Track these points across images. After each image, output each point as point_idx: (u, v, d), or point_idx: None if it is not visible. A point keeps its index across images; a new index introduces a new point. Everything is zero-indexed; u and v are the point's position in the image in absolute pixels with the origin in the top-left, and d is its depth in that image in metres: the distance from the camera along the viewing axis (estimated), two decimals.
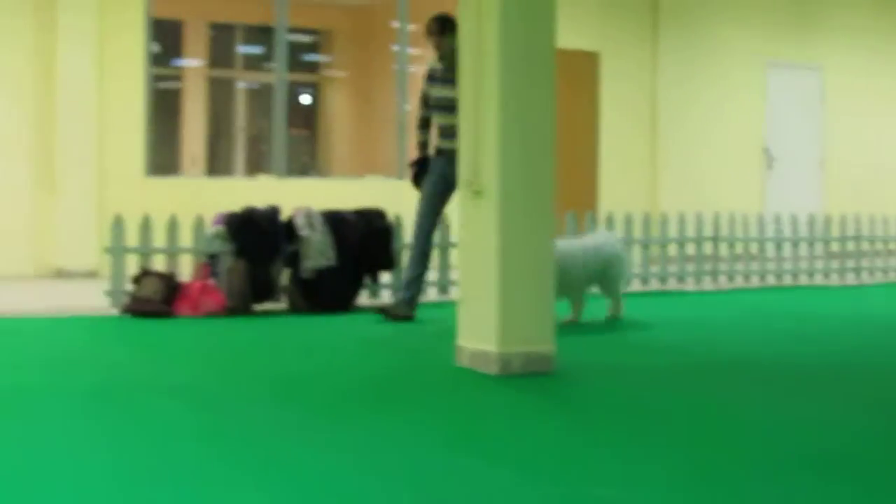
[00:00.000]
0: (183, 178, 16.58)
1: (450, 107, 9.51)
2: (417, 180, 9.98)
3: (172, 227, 10.39)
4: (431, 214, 9.81)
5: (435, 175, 9.80)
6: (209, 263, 10.25)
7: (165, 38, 17.18)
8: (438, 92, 9.83)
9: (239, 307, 9.98)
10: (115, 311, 10.00)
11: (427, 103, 10.00)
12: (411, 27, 16.07)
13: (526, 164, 7.10)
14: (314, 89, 19.57)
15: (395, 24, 16.21)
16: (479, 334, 7.19)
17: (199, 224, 10.39)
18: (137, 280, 9.97)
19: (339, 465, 4.78)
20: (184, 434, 5.36)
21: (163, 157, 17.17)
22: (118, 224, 10.16)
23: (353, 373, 7.27)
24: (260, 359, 7.82)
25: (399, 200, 13.97)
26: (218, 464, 4.79)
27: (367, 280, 10.80)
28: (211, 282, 10.08)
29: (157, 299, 9.77)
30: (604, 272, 9.75)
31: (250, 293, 10.09)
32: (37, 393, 6.35)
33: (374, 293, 10.99)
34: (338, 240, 10.34)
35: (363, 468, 4.73)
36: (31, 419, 5.65)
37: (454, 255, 9.86)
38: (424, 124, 10.09)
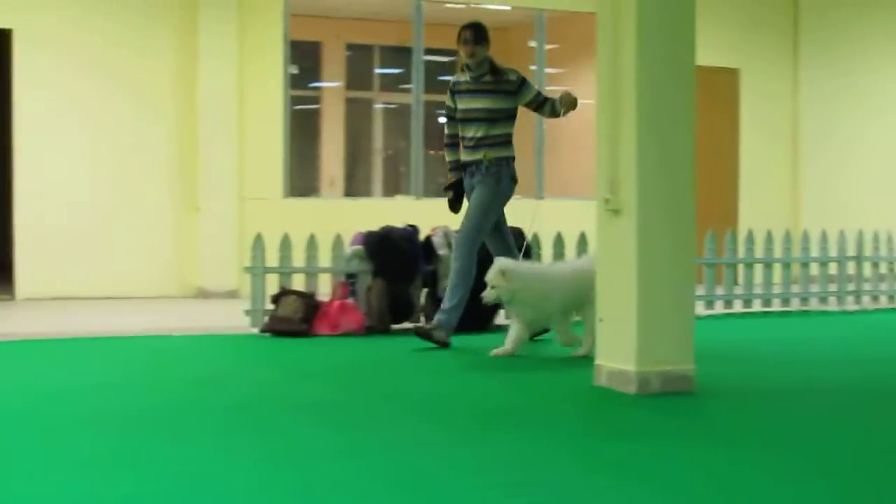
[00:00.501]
0: (322, 199, 16.75)
1: (478, 119, 9.39)
2: (455, 206, 9.75)
3: (312, 246, 10.48)
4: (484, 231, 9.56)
5: (470, 192, 9.54)
6: (348, 283, 10.31)
7: (304, 59, 17.38)
8: (466, 104, 9.46)
9: (377, 327, 10.02)
10: (254, 331, 10.10)
11: (453, 118, 9.61)
12: (549, 47, 16.04)
13: (665, 182, 7.03)
14: None
15: (533, 44, 16.20)
16: (617, 353, 7.13)
17: (337, 244, 10.47)
18: (277, 299, 10.06)
19: (476, 482, 4.76)
20: (325, 451, 5.38)
21: (302, 178, 17.37)
22: (258, 243, 10.27)
23: (492, 391, 7.25)
24: (398, 377, 7.84)
25: (537, 220, 13.90)
26: (359, 480, 4.80)
27: None
28: (350, 301, 10.14)
29: (296, 319, 9.85)
30: (583, 300, 8.69)
31: (389, 312, 10.13)
32: (181, 410, 6.43)
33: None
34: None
35: (500, 485, 4.70)
36: (175, 436, 5.72)
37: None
38: (453, 142, 9.68)
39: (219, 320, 11.00)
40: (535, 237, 11.04)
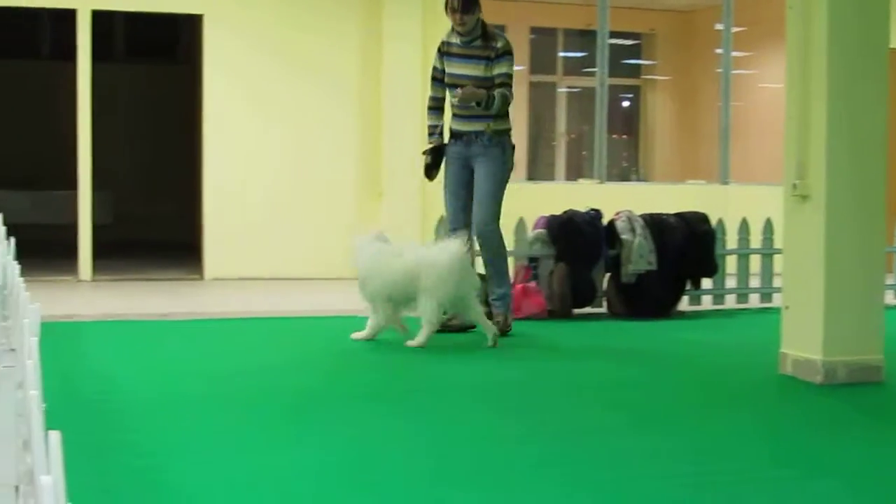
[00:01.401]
0: None
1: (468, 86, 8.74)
2: (432, 172, 9.09)
3: None
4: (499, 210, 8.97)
5: (458, 162, 8.93)
6: (530, 266, 10.32)
7: None
8: (455, 69, 8.91)
9: (559, 311, 10.01)
10: None
11: (441, 80, 9.07)
12: (736, 30, 15.81)
13: (855, 167, 6.89)
14: (635, 93, 19.51)
15: (719, 27, 15.99)
16: (803, 342, 7.02)
17: (520, 227, 10.47)
18: None
19: (662, 472, 4.74)
20: (502, 437, 5.40)
21: None
22: (442, 227, 10.31)
23: (676, 378, 7.20)
24: (578, 362, 7.82)
25: (722, 205, 13.75)
26: (535, 467, 4.81)
27: (688, 286, 10.65)
28: (532, 285, 10.14)
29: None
30: (414, 288, 8.29)
31: (571, 297, 10.10)
32: (363, 391, 6.53)
33: (696, 299, 10.84)
34: (659, 244, 10.24)
35: (687, 475, 4.67)
36: (353, 418, 5.81)
37: (777, 261, 9.67)
38: (438, 105, 9.16)
39: None
40: (721, 223, 10.90)
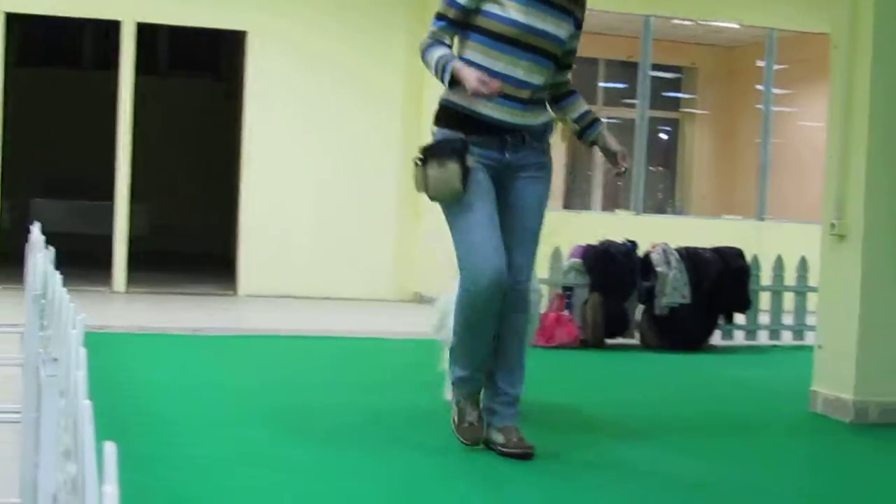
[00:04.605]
0: None
1: (541, 52, 5.58)
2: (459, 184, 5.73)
3: None
4: None
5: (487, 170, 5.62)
6: (565, 295, 10.32)
7: None
8: (536, 20, 5.45)
9: (591, 340, 10.00)
10: None
11: (459, 24, 5.76)
12: (777, 67, 15.80)
13: (894, 208, 6.87)
14: (673, 126, 19.50)
15: (761, 64, 15.98)
16: (835, 381, 7.00)
17: (555, 256, 10.47)
18: None
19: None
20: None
21: None
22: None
23: (703, 411, 7.18)
24: (611, 392, 7.82)
25: (757, 242, 13.73)
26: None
27: (721, 320, 10.64)
28: (565, 314, 10.14)
29: None
30: None
31: (604, 327, 10.10)
32: (392, 413, 6.55)
33: (728, 334, 10.81)
34: (694, 277, 10.23)
35: None
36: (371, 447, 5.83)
37: (811, 298, 9.68)
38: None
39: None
40: (755, 259, 10.88)
